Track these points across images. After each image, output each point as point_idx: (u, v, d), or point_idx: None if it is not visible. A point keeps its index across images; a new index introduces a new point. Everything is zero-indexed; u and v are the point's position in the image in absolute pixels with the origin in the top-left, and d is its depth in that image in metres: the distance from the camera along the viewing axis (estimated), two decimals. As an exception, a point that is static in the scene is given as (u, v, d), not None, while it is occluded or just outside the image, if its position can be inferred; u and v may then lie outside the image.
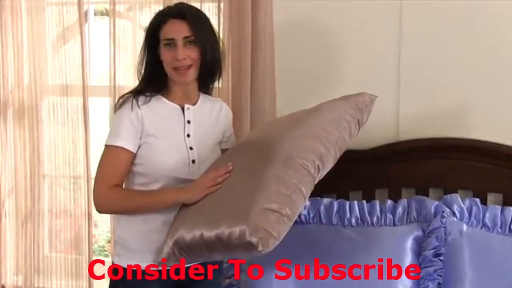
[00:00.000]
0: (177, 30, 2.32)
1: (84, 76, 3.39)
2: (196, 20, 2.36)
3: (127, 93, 2.42)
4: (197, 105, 2.46)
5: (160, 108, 2.39)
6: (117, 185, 2.33)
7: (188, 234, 2.15)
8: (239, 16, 3.08)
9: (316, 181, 2.25)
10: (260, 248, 2.00)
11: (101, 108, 2.52)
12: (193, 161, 2.39)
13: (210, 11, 3.23)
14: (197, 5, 3.13)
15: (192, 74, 2.37)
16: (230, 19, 3.11)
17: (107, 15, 3.48)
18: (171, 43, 2.32)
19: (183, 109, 2.42)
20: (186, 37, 2.32)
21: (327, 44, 3.13)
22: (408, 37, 3.03)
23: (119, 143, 2.31)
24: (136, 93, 2.39)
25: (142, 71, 2.43)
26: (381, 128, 3.05)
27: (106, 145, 2.34)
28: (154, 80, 2.39)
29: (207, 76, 2.45)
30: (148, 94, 2.37)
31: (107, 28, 3.35)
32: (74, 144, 3.50)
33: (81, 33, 3.37)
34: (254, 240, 2.00)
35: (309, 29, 3.15)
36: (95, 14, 3.78)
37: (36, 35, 3.45)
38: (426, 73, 3.03)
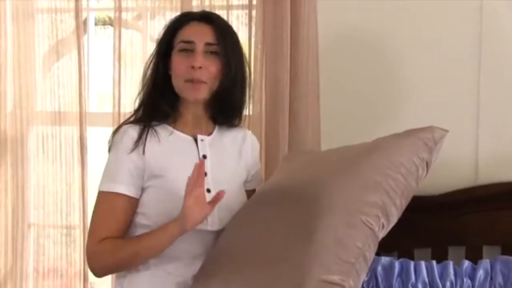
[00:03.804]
0: (199, 33, 2.34)
1: (81, 101, 3.40)
2: (224, 28, 2.39)
3: (124, 122, 2.41)
4: (213, 135, 2.45)
5: (167, 140, 2.37)
6: (112, 238, 2.31)
7: None
8: (275, 26, 3.08)
9: (379, 240, 2.19)
10: None
11: (101, 140, 2.49)
12: None
13: (239, 20, 3.26)
14: (223, 12, 3.16)
15: (205, 92, 2.35)
16: (264, 29, 3.11)
17: (111, 24, 3.51)
18: (189, 48, 2.33)
19: (196, 140, 2.40)
20: (208, 44, 2.33)
21: (386, 62, 3.11)
22: (489, 58, 3.01)
23: (116, 189, 2.30)
24: (136, 121, 2.38)
25: (146, 88, 2.42)
26: (455, 168, 3.01)
27: (100, 192, 2.34)
28: (162, 101, 2.38)
29: (225, 105, 2.43)
30: (152, 122, 2.36)
31: (111, 40, 3.36)
32: (68, 185, 3.50)
33: (79, 46, 3.39)
34: None
35: (363, 42, 3.13)
36: (96, 24, 3.81)
37: (23, 49, 3.48)
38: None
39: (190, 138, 2.40)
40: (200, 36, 2.33)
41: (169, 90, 2.37)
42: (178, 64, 2.33)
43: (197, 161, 2.31)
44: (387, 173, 2.23)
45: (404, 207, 2.28)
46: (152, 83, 2.39)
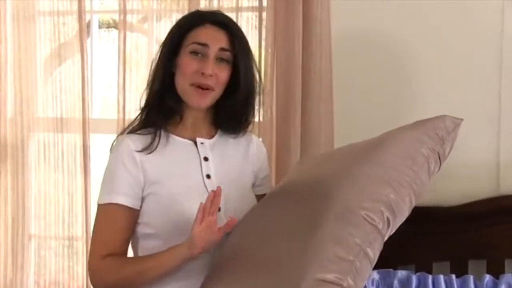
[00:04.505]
0: (214, 37, 2.33)
1: (84, 107, 3.39)
2: (239, 35, 2.39)
3: (127, 127, 2.42)
4: (214, 138, 2.45)
5: (165, 146, 2.37)
6: (115, 254, 2.31)
7: None
8: (286, 29, 3.06)
9: (386, 238, 2.14)
10: None
11: (105, 148, 2.50)
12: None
13: (249, 22, 3.24)
14: (232, 15, 3.14)
15: (211, 99, 2.36)
16: (274, 32, 3.10)
17: (115, 27, 3.51)
18: (200, 51, 2.31)
19: (196, 144, 2.40)
20: (222, 50, 2.33)
21: (402, 64, 3.11)
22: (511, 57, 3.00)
23: (114, 200, 2.30)
24: (138, 127, 2.38)
25: (150, 88, 2.40)
26: (475, 177, 3.01)
27: (99, 205, 2.35)
28: (168, 100, 2.36)
29: (234, 115, 2.44)
30: (151, 129, 2.36)
31: (115, 44, 3.36)
32: (70, 195, 3.48)
33: (82, 50, 3.37)
34: None
35: (379, 44, 3.12)
36: (99, 27, 3.79)
37: (23, 53, 3.47)
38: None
39: (190, 142, 2.40)
40: (215, 40, 2.32)
41: (175, 90, 2.36)
42: (188, 66, 2.32)
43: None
44: (394, 166, 2.19)
45: (414, 203, 2.21)
46: (159, 82, 2.37)
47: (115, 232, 2.31)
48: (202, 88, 2.31)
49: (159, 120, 2.36)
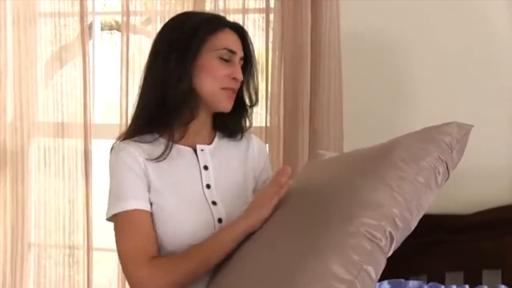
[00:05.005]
0: (237, 44, 2.35)
1: (86, 111, 3.37)
2: (251, 44, 2.42)
3: (119, 137, 2.36)
4: (213, 144, 2.41)
5: (169, 154, 2.32)
6: (160, 256, 2.26)
7: None
8: (294, 31, 3.05)
9: (390, 254, 2.09)
10: None
11: (107, 154, 2.46)
12: (220, 220, 2.29)
13: (255, 24, 3.23)
14: (239, 16, 3.13)
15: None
16: (282, 34, 3.09)
17: (118, 29, 3.49)
18: (228, 57, 2.32)
19: (195, 151, 2.37)
20: (240, 58, 2.35)
21: (413, 65, 3.10)
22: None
23: (131, 206, 2.24)
24: (130, 136, 2.33)
25: (173, 89, 2.31)
26: (490, 185, 3.00)
27: (114, 215, 2.25)
28: (186, 106, 2.31)
29: (232, 116, 2.42)
30: (152, 135, 2.31)
31: (118, 46, 3.33)
32: (71, 202, 3.46)
33: (83, 53, 3.36)
34: None
35: (388, 46, 3.11)
36: (102, 29, 3.78)
37: (24, 55, 3.46)
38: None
39: (190, 149, 2.35)
40: (238, 48, 2.34)
41: (189, 94, 2.31)
42: (220, 70, 2.30)
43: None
44: (399, 176, 2.11)
45: (421, 214, 2.12)
46: (187, 83, 2.29)
47: (146, 236, 2.23)
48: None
49: (175, 123, 2.29)
